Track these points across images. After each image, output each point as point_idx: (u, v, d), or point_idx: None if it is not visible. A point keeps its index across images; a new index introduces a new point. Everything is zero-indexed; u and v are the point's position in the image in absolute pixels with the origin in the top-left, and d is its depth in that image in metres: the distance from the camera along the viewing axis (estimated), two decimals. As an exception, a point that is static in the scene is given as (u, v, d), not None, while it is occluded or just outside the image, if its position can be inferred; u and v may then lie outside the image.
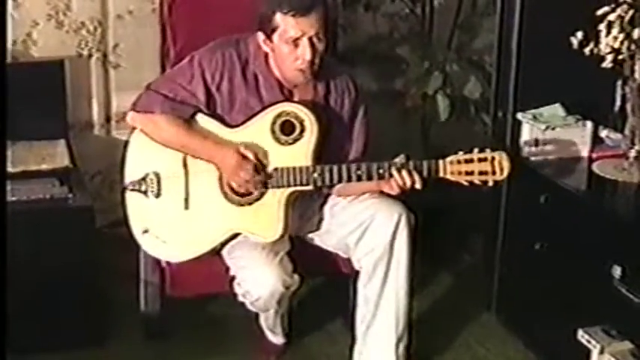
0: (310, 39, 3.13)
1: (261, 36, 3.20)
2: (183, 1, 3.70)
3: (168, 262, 3.42)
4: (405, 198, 3.22)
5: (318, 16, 3.13)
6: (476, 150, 3.13)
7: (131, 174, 3.37)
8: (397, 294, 3.35)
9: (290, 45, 3.13)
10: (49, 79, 3.99)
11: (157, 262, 3.45)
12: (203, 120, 3.28)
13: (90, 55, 4.20)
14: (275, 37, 3.15)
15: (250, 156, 3.21)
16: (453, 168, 3.13)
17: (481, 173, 3.12)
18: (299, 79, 3.23)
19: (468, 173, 3.12)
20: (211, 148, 3.25)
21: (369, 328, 3.41)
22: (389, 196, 3.24)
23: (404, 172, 3.12)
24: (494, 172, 3.12)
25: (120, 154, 3.41)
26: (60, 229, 3.46)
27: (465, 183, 3.13)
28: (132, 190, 3.35)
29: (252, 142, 3.24)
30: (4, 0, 3.57)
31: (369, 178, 3.16)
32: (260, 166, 3.22)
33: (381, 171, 3.15)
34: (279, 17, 3.11)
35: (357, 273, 3.39)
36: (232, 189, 3.27)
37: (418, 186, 3.13)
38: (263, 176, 3.21)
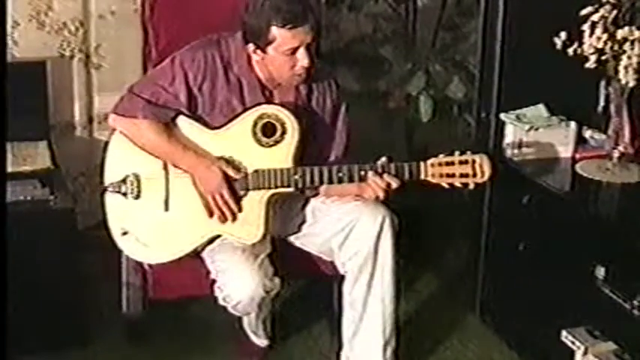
0: (307, 46, 3.13)
1: (251, 47, 3.18)
2: (165, 2, 3.68)
3: (150, 265, 3.40)
4: (389, 200, 3.22)
5: (312, 23, 3.13)
6: (457, 153, 3.14)
7: (111, 175, 3.34)
8: (383, 297, 3.34)
9: (287, 55, 3.13)
10: (30, 79, 3.96)
11: (140, 264, 3.44)
12: (184, 123, 3.27)
13: (72, 56, 4.18)
14: (270, 49, 3.14)
15: (232, 174, 3.20)
16: (434, 170, 3.13)
17: (462, 176, 3.12)
18: (294, 82, 3.24)
19: (449, 176, 3.13)
20: (192, 160, 3.24)
21: (356, 332, 3.40)
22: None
23: (385, 177, 3.12)
24: (475, 175, 3.12)
25: (101, 157, 3.39)
26: (41, 231, 3.44)
27: (446, 185, 3.14)
28: (112, 191, 3.33)
29: (233, 144, 3.23)
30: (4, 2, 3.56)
31: (351, 180, 3.16)
32: (241, 177, 3.22)
33: (362, 173, 3.15)
34: (274, 30, 3.10)
35: (342, 276, 3.38)
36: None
37: (395, 186, 3.14)
38: (234, 207, 3.21)
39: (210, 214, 3.23)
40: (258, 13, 3.12)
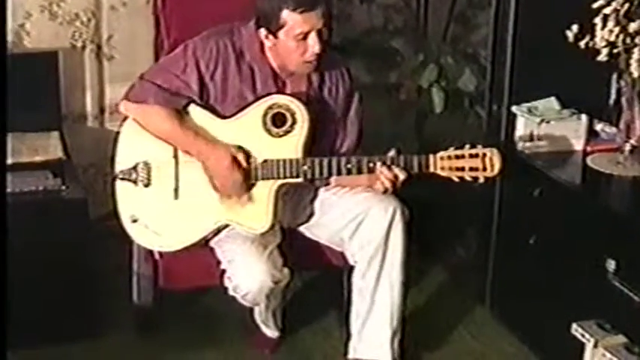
0: (318, 32, 3.12)
1: (263, 32, 3.18)
2: (177, -7, 3.70)
3: (161, 255, 3.41)
4: (399, 192, 3.22)
5: (324, 8, 3.13)
6: (467, 146, 3.13)
7: (122, 163, 3.36)
8: (392, 288, 3.34)
9: (298, 40, 3.13)
10: (42, 70, 3.96)
11: (150, 254, 3.45)
12: (195, 111, 3.27)
13: (83, 47, 4.18)
14: (281, 33, 3.14)
15: (242, 160, 3.21)
16: (443, 163, 3.13)
17: (472, 169, 3.12)
18: (305, 70, 3.24)
19: (458, 169, 3.12)
20: (203, 146, 3.24)
21: (365, 322, 3.40)
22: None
23: (393, 168, 3.13)
24: (484, 169, 3.12)
25: (113, 145, 3.40)
26: (53, 222, 3.45)
27: (456, 179, 3.14)
28: (122, 179, 3.34)
29: (243, 133, 3.24)
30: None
31: (359, 171, 3.17)
32: (248, 173, 3.22)
33: (371, 165, 3.15)
34: (285, 14, 3.10)
35: (351, 267, 3.38)
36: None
37: (402, 178, 3.14)
38: (246, 186, 3.22)
39: (223, 198, 3.24)
40: None
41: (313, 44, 3.13)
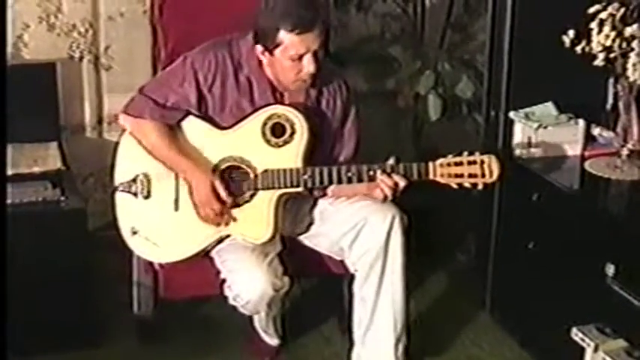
0: (314, 52, 3.13)
1: (259, 48, 3.19)
2: (175, 3, 3.69)
3: (161, 265, 3.41)
4: (398, 199, 3.22)
5: (321, 29, 3.12)
6: (465, 153, 3.14)
7: (121, 175, 3.37)
8: (393, 295, 3.34)
9: (294, 60, 3.13)
10: (40, 81, 3.97)
11: (150, 264, 3.45)
12: (194, 123, 3.29)
13: (81, 58, 4.19)
14: (277, 52, 3.14)
15: (223, 194, 3.22)
16: (442, 170, 3.13)
17: (471, 176, 3.12)
18: (299, 87, 3.25)
19: (457, 176, 3.13)
20: (188, 168, 3.26)
21: (367, 330, 3.41)
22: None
23: (393, 176, 3.13)
24: (483, 175, 3.12)
25: (112, 157, 3.40)
26: (52, 232, 3.46)
27: (455, 186, 3.14)
28: (122, 191, 3.35)
29: (242, 144, 3.25)
30: (4, 3, 3.57)
31: (360, 180, 3.17)
32: (230, 203, 3.24)
33: (371, 173, 3.16)
34: (282, 34, 3.10)
35: (352, 275, 3.39)
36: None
37: (402, 185, 3.15)
38: (223, 218, 3.25)
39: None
40: (267, 15, 3.13)
41: (308, 65, 3.13)
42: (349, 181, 3.18)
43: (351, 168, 3.18)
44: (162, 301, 3.52)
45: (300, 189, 3.22)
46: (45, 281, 3.42)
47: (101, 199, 4.08)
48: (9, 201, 3.37)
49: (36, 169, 3.70)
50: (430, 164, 3.15)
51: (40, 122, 3.94)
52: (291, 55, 3.12)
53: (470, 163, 3.13)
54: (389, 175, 3.15)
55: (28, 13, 4.03)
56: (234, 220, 3.26)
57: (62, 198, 3.54)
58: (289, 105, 3.26)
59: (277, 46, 3.13)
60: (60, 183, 3.62)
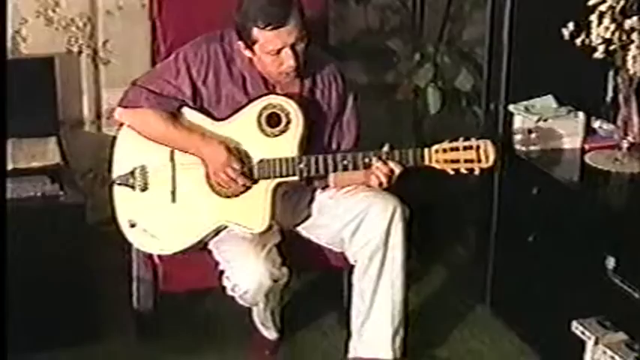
0: (292, 46, 3.13)
1: (241, 44, 3.20)
2: (173, -3, 3.69)
3: (160, 258, 3.41)
4: (399, 191, 3.22)
5: (295, 22, 3.12)
6: (461, 138, 3.13)
7: (119, 168, 3.38)
8: (393, 287, 3.34)
9: (272, 55, 3.14)
10: (38, 76, 3.97)
11: (150, 258, 3.45)
12: (189, 114, 3.30)
13: (80, 52, 4.19)
14: (256, 48, 3.16)
15: (237, 156, 3.23)
16: (438, 156, 3.13)
17: (467, 161, 3.12)
18: (285, 80, 3.25)
19: (453, 161, 3.13)
20: (199, 141, 3.26)
21: (365, 322, 3.41)
22: (382, 189, 3.23)
23: (389, 163, 3.13)
24: (479, 160, 3.12)
25: (109, 151, 3.40)
26: (51, 227, 3.45)
27: (451, 171, 3.13)
28: (119, 184, 3.36)
29: (239, 134, 3.25)
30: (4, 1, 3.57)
31: (355, 167, 3.17)
32: (247, 166, 3.23)
33: (366, 160, 3.16)
34: (256, 32, 3.11)
35: (351, 267, 3.39)
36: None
37: (398, 172, 3.14)
38: (248, 177, 3.23)
39: (224, 193, 3.26)
40: (242, 13, 3.15)
41: (287, 59, 3.14)
42: (345, 168, 3.18)
43: (346, 156, 3.18)
44: (162, 295, 3.52)
45: (296, 178, 3.22)
46: (44, 276, 3.42)
47: (100, 193, 4.08)
48: (8, 196, 3.36)
49: (35, 164, 3.70)
50: (426, 150, 3.14)
51: (38, 117, 3.93)
52: (269, 51, 3.13)
53: (466, 148, 3.12)
54: (384, 161, 3.15)
55: (26, 7, 4.03)
56: (230, 210, 3.27)
57: (61, 193, 3.54)
58: (284, 95, 3.26)
59: (254, 43, 3.14)
60: (59, 178, 3.61)
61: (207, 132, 3.27)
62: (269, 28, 3.09)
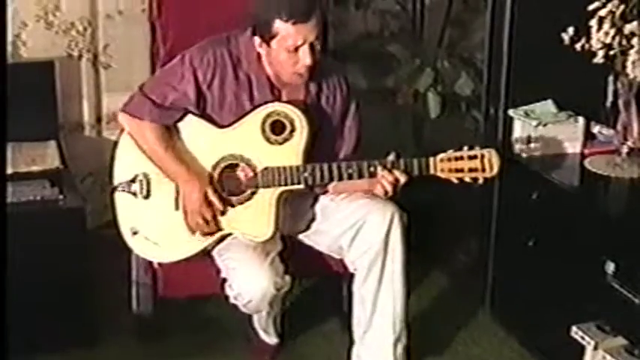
0: (311, 44, 3.11)
1: (257, 40, 3.18)
2: (173, 1, 3.69)
3: (160, 264, 3.40)
4: (398, 197, 3.22)
5: (317, 20, 3.11)
6: (465, 147, 3.13)
7: (120, 175, 3.36)
8: (393, 294, 3.34)
9: (290, 52, 3.12)
10: (39, 80, 3.97)
11: (149, 263, 3.44)
12: (193, 122, 3.28)
13: (80, 56, 4.19)
14: (274, 43, 3.13)
15: (216, 203, 3.22)
16: (443, 165, 3.13)
17: (471, 170, 3.12)
18: (297, 81, 3.23)
19: (458, 170, 3.12)
20: (180, 176, 3.26)
21: (367, 329, 3.40)
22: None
23: (394, 172, 3.12)
24: (484, 170, 3.12)
25: (111, 156, 3.39)
26: (51, 231, 3.45)
27: (455, 180, 3.13)
28: (121, 191, 3.34)
29: (242, 142, 3.24)
30: (4, 2, 3.56)
31: (360, 176, 3.16)
32: (220, 211, 3.25)
33: (371, 169, 3.15)
34: (278, 24, 3.09)
35: (352, 274, 3.38)
36: (223, 188, 3.26)
37: (403, 181, 3.14)
38: (213, 228, 3.25)
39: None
40: (264, 5, 3.13)
41: (304, 57, 3.12)
42: (350, 177, 3.17)
43: (351, 164, 3.17)
44: (162, 300, 3.52)
45: (300, 186, 3.21)
46: (44, 280, 3.41)
47: (100, 198, 4.08)
48: (7, 200, 3.36)
49: (34, 168, 3.70)
50: (431, 159, 3.14)
51: (38, 121, 3.93)
52: (288, 46, 3.11)
53: (470, 157, 3.12)
54: (390, 170, 3.14)
55: (26, 11, 4.03)
56: (234, 219, 3.26)
57: (61, 197, 3.53)
58: (289, 102, 3.26)
59: (274, 37, 3.11)
60: (58, 182, 3.61)
61: (198, 167, 3.26)
62: (292, 21, 3.07)
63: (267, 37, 3.13)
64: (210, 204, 3.22)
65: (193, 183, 3.24)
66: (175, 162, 3.26)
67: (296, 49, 3.11)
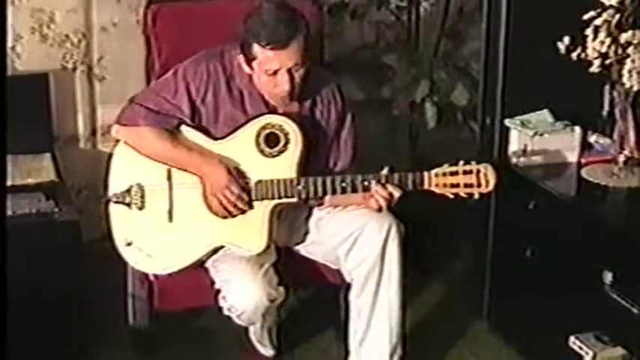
0: (289, 70, 3.11)
1: (241, 58, 3.18)
2: (167, 14, 3.68)
3: (155, 276, 3.40)
4: (394, 207, 3.21)
5: (298, 46, 3.09)
6: (461, 162, 3.12)
7: (115, 186, 3.35)
8: (390, 305, 3.33)
9: (269, 75, 3.12)
10: (33, 92, 3.96)
11: (145, 276, 3.43)
12: (188, 133, 3.27)
13: (74, 68, 4.18)
14: (254, 64, 3.14)
15: (236, 182, 3.20)
16: (438, 180, 3.12)
17: (466, 186, 3.11)
18: (279, 102, 3.24)
19: (453, 186, 3.12)
20: (198, 160, 3.24)
21: (363, 340, 3.39)
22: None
23: (388, 186, 3.12)
24: (479, 185, 3.11)
25: (105, 168, 3.38)
26: (46, 244, 3.43)
27: (451, 196, 3.13)
28: (115, 202, 3.33)
29: (236, 154, 3.23)
30: (4, 5, 3.56)
31: (354, 190, 3.16)
32: (245, 186, 3.21)
33: (365, 183, 3.15)
34: (257, 48, 3.09)
35: (348, 285, 3.37)
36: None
37: (397, 196, 3.14)
38: (246, 199, 3.21)
39: (221, 214, 3.23)
40: (247, 27, 3.12)
41: (282, 82, 3.12)
42: (343, 191, 3.17)
43: (345, 178, 3.17)
44: (157, 313, 3.51)
45: (294, 200, 3.20)
46: (39, 293, 3.39)
47: (95, 210, 4.06)
48: (3, 213, 3.36)
49: (29, 181, 3.69)
50: (425, 174, 3.14)
51: (33, 134, 3.91)
52: (266, 70, 3.11)
53: (466, 172, 3.12)
54: (383, 185, 3.13)
55: (21, 23, 4.02)
56: (228, 231, 3.25)
57: (56, 210, 3.52)
58: (283, 114, 3.25)
59: (254, 59, 3.12)
60: (54, 195, 3.60)
61: (206, 151, 3.25)
62: (269, 47, 3.07)
63: (250, 58, 3.14)
64: (236, 182, 3.20)
65: (212, 162, 3.22)
66: (187, 152, 3.24)
67: (275, 73, 3.11)
